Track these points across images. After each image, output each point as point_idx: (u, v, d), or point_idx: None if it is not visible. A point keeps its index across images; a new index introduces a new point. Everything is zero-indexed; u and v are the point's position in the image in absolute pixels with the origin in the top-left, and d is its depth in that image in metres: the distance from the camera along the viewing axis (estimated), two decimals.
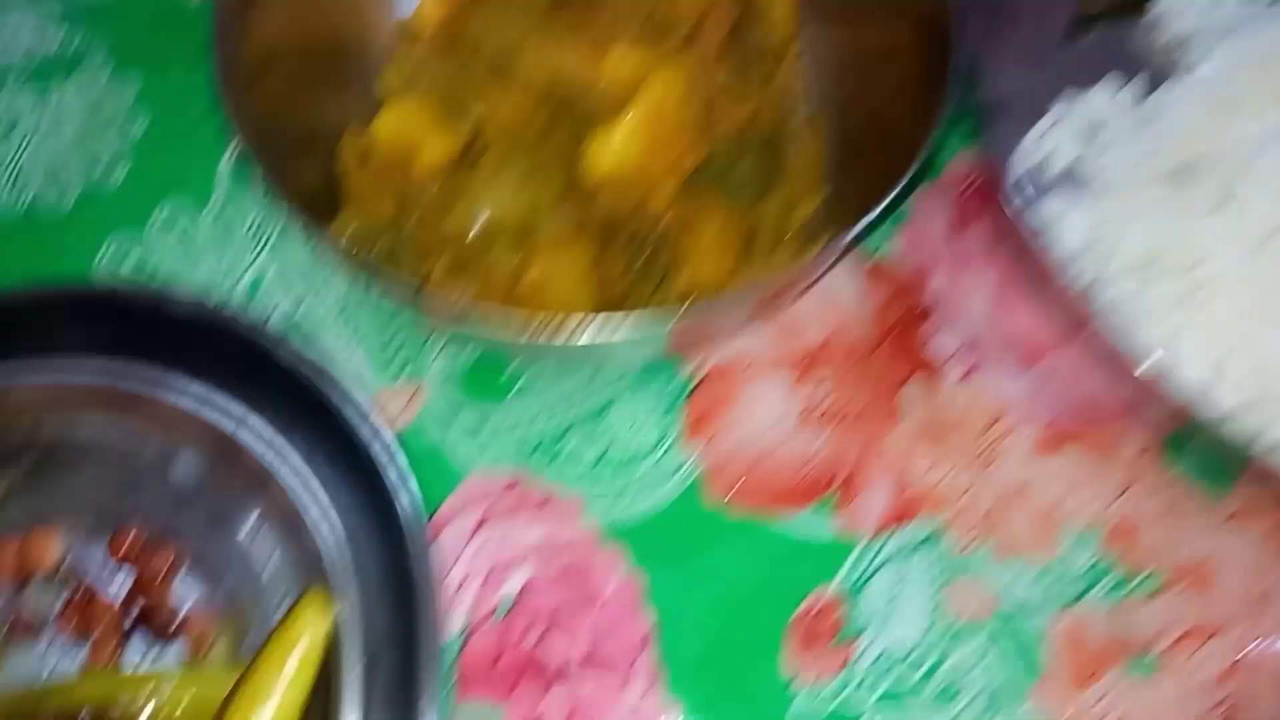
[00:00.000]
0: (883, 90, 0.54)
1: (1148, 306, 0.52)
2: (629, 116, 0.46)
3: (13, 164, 0.59)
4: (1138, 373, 0.48)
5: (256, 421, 0.45)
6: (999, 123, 0.58)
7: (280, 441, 0.45)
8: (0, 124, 0.60)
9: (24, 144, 0.59)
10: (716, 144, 0.50)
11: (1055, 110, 0.59)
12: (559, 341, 0.41)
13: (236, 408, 0.45)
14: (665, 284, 0.49)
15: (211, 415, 0.45)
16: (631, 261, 0.49)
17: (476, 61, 0.49)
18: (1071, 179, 0.58)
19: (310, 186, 0.51)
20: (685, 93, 0.48)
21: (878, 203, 0.45)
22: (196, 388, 0.45)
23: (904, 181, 0.46)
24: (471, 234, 0.47)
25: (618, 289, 0.49)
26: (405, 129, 0.49)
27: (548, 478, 0.50)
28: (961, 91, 0.50)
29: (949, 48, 0.48)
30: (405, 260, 0.49)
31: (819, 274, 0.53)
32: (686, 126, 0.49)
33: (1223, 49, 0.57)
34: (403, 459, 0.44)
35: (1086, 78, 0.60)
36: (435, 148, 0.49)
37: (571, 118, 0.48)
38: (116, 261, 0.55)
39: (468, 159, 0.49)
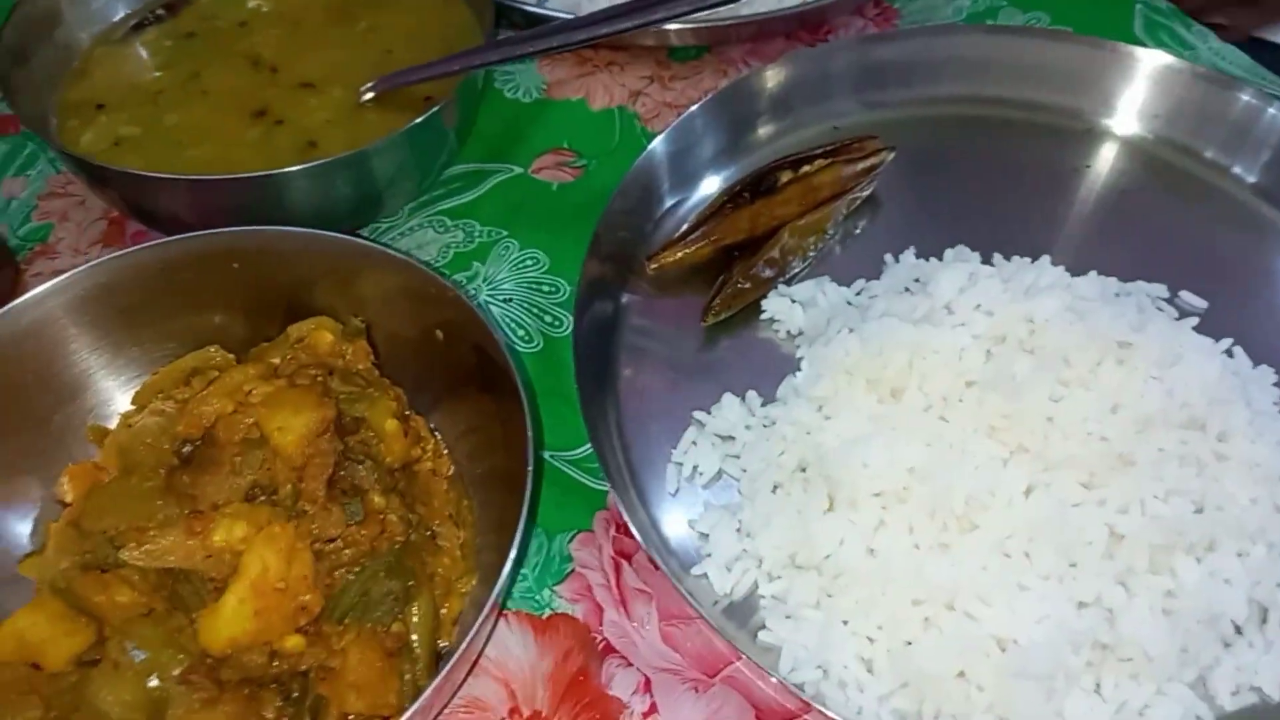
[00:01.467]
0: (502, 453, 0.58)
1: (796, 604, 0.56)
2: (232, 591, 0.49)
3: None
4: (790, 685, 0.52)
5: None
6: (635, 456, 0.64)
7: None
8: None
9: None
10: (340, 581, 0.53)
11: (692, 428, 0.65)
12: None
13: None
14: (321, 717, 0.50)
15: None
16: (281, 709, 0.50)
17: (94, 549, 0.52)
18: (721, 483, 0.63)
19: None
20: (289, 550, 0.50)
21: (502, 565, 0.49)
22: None
23: (518, 536, 0.51)
24: None
25: None
26: (30, 633, 0.50)
27: None
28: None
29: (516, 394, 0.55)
30: None
31: (478, 653, 0.56)
32: (298, 580, 0.51)
33: (814, 353, 0.65)
34: None
35: (712, 394, 0.67)
36: (61, 647, 0.50)
37: (187, 595, 0.50)
38: None
39: (91, 653, 0.50)
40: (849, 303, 0.70)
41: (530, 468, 0.53)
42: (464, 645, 0.48)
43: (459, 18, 0.80)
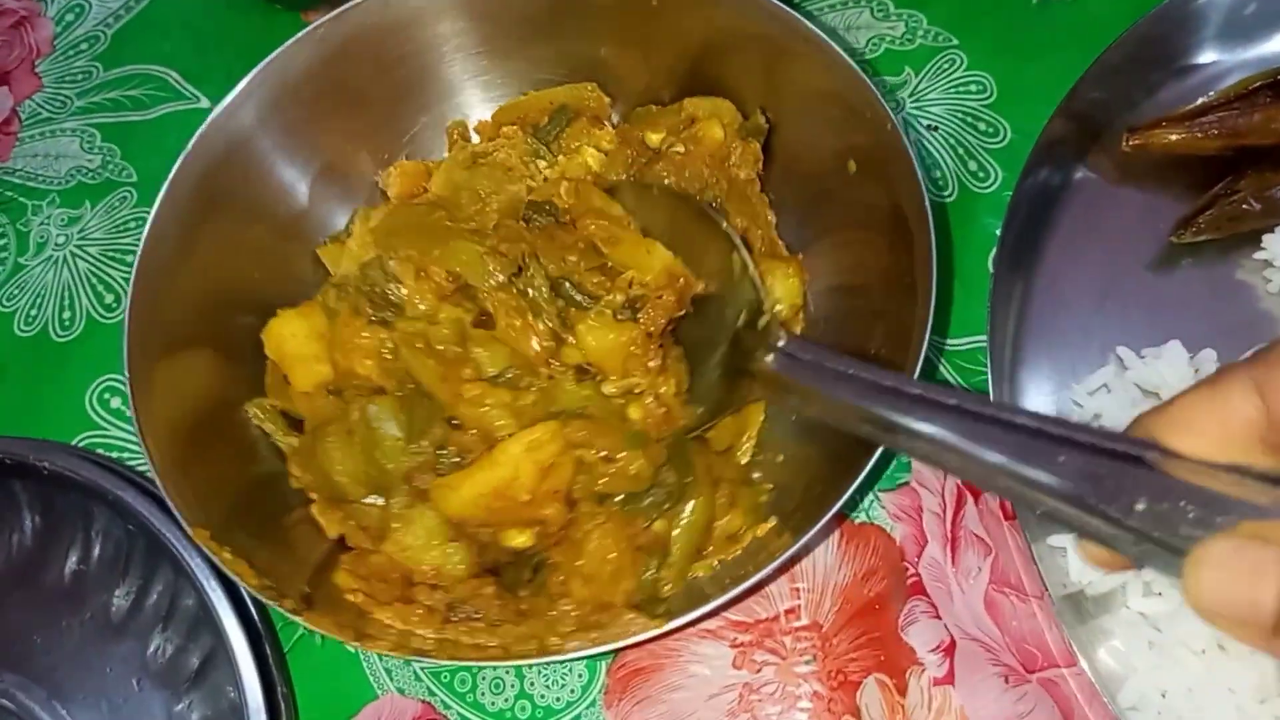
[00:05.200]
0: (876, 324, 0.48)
1: (1174, 639, 0.43)
2: (472, 483, 0.42)
3: None
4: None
5: None
6: (1026, 373, 0.51)
7: None
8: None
9: None
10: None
11: (1110, 367, 0.51)
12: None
13: None
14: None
15: None
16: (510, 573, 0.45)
17: (376, 276, 0.47)
18: None
19: None
20: (548, 463, 0.42)
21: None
22: None
23: None
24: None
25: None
26: (288, 344, 0.47)
27: (459, 711, 0.47)
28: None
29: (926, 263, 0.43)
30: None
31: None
32: (546, 495, 0.43)
33: None
34: None
35: (1147, 334, 0.52)
36: (310, 372, 0.47)
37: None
38: None
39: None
40: None
41: (918, 364, 0.42)
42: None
43: None
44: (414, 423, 0.44)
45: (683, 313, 0.45)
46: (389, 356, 0.44)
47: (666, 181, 0.48)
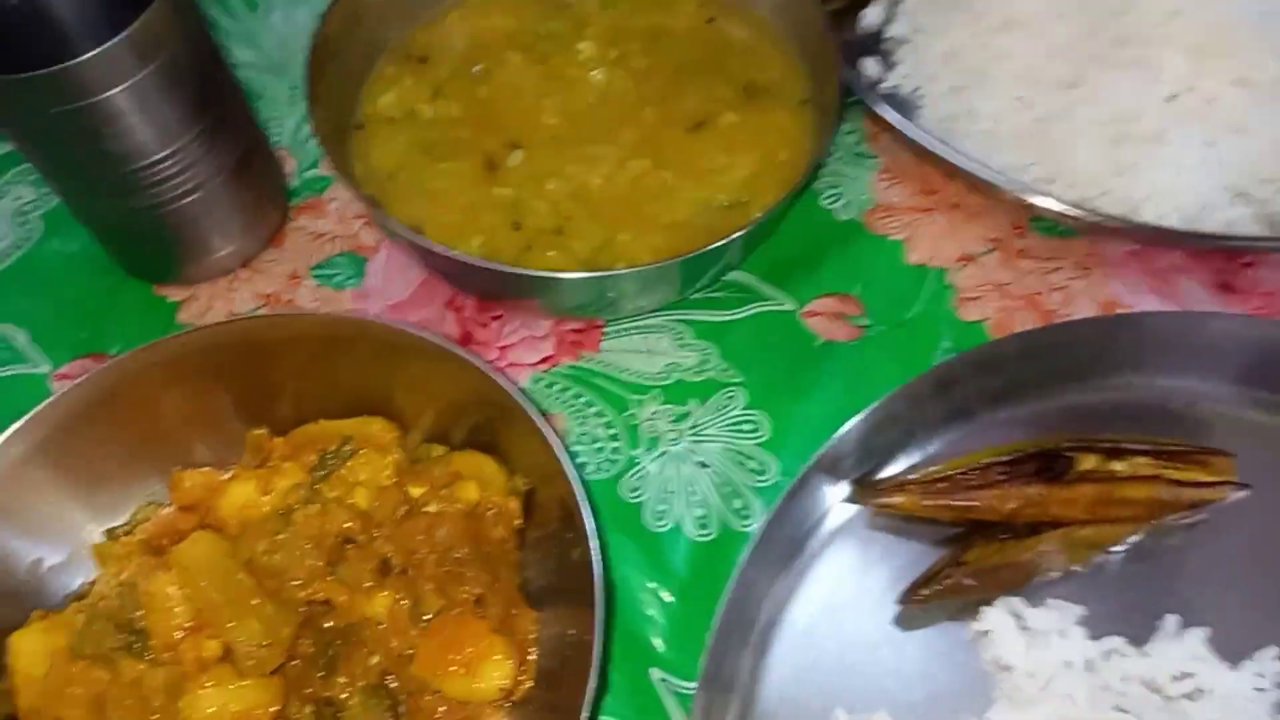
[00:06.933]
0: None
1: None
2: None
3: None
4: None
5: None
6: None
7: None
8: None
9: None
10: None
11: None
12: None
13: None
14: None
15: None
16: None
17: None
18: None
19: None
20: None
21: None
22: None
23: None
24: None
25: None
26: (22, 660, 0.50)
27: None
28: None
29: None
30: None
31: None
32: None
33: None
34: None
35: (866, 697, 0.54)
36: (32, 694, 0.50)
37: None
38: None
39: None
40: (1090, 666, 0.54)
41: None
42: None
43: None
44: None
45: None
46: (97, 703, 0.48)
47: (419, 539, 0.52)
